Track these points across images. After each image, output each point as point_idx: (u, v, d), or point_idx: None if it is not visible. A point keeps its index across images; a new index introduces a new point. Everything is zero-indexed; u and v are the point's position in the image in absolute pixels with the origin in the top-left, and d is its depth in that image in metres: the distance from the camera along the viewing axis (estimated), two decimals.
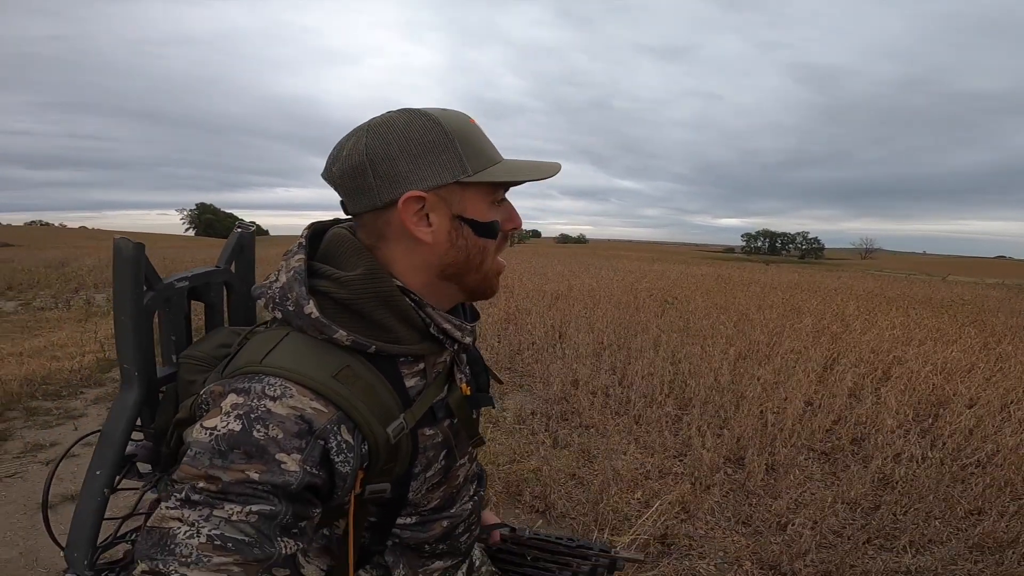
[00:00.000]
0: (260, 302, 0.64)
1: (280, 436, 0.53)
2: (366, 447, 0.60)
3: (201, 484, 0.51)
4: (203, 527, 0.49)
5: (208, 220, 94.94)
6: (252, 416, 0.54)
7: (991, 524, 2.36)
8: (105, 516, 0.72)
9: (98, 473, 0.70)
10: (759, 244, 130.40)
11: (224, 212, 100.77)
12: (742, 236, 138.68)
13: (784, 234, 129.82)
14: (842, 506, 2.52)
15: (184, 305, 0.83)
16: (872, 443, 3.21)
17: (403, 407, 0.64)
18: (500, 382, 0.93)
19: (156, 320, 0.81)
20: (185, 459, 0.53)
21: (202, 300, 0.87)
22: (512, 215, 0.69)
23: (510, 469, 2.64)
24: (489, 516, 1.00)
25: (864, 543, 2.27)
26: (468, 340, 0.70)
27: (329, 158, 0.65)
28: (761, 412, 3.55)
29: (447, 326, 0.67)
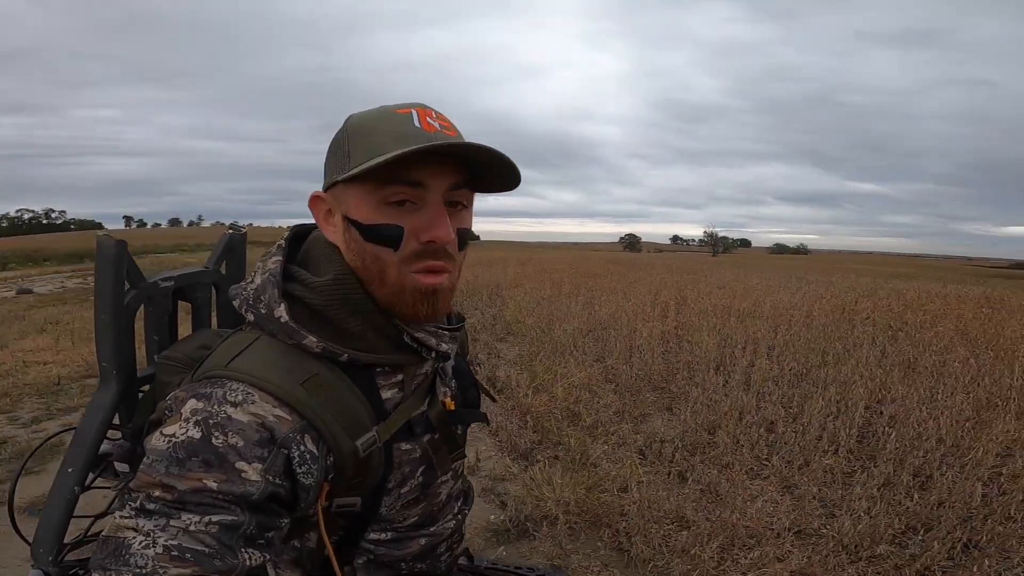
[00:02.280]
0: (235, 303, 0.64)
1: (240, 444, 0.52)
2: (331, 459, 0.59)
3: (157, 493, 0.49)
4: (159, 537, 0.47)
5: None
6: (211, 423, 0.52)
7: None
8: (79, 515, 0.72)
9: (70, 471, 0.70)
10: None
11: None
12: None
13: None
14: None
15: (168, 305, 0.83)
16: None
17: (377, 419, 0.62)
18: (493, 399, 0.88)
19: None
20: (141, 467, 0.52)
21: (189, 301, 0.87)
22: (431, 223, 0.58)
23: (605, 499, 2.37)
24: None
25: None
26: (445, 348, 0.66)
27: None
28: (989, 476, 2.60)
29: (420, 334, 0.63)
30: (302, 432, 0.55)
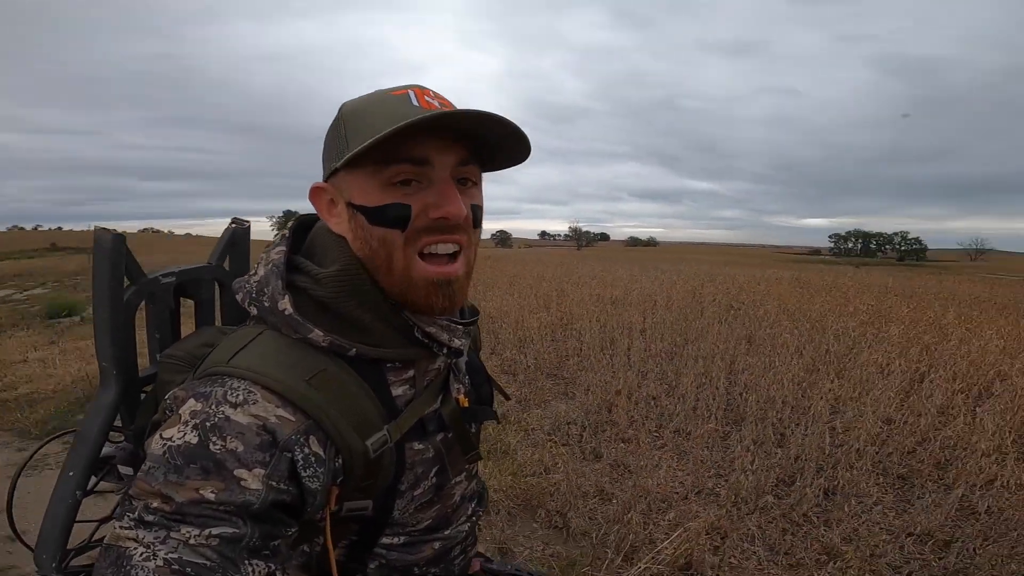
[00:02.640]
0: (238, 296, 0.61)
1: (240, 449, 0.48)
2: (339, 461, 0.55)
3: (155, 504, 0.46)
4: (159, 549, 0.45)
5: None
6: (208, 425, 0.49)
7: None
8: (83, 519, 0.70)
9: (71, 474, 0.67)
10: (850, 246, 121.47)
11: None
12: (830, 237, 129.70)
13: (880, 234, 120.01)
14: (910, 539, 2.20)
15: (170, 302, 0.80)
16: (959, 468, 2.79)
17: (388, 418, 0.59)
18: (507, 397, 0.85)
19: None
20: (139, 473, 0.48)
21: (191, 297, 0.83)
22: (441, 200, 0.55)
23: (532, 482, 2.50)
24: None
25: None
26: (458, 344, 0.63)
27: None
28: (827, 431, 3.20)
29: (431, 329, 0.60)
30: (306, 433, 0.52)
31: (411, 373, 0.63)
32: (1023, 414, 3.51)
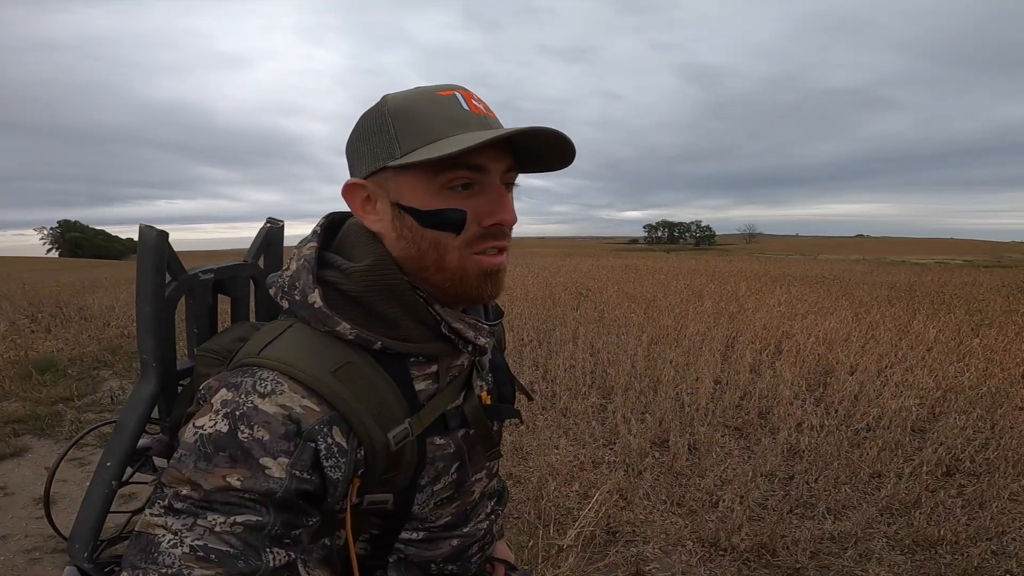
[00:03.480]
0: (271, 291, 0.63)
1: (266, 438, 0.50)
2: (362, 452, 0.57)
3: (184, 491, 0.48)
4: (186, 537, 0.47)
5: (74, 239, 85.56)
6: (238, 414, 0.51)
7: (892, 487, 2.58)
8: (118, 510, 0.71)
9: (108, 464, 0.69)
10: (659, 234, 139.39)
11: (94, 229, 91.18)
12: (644, 227, 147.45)
13: (681, 223, 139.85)
14: (762, 479, 2.69)
15: (208, 298, 0.82)
16: (776, 415, 3.47)
17: (410, 412, 0.60)
18: (530, 397, 0.87)
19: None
20: (172, 460, 0.50)
21: (228, 294, 0.86)
22: (497, 207, 0.58)
23: None
24: (500, 548, 0.89)
25: (788, 513, 2.42)
26: (483, 341, 0.64)
27: None
28: (677, 394, 3.74)
29: (458, 325, 0.61)
30: (330, 424, 0.54)
31: (434, 368, 0.64)
32: (808, 366, 4.49)
